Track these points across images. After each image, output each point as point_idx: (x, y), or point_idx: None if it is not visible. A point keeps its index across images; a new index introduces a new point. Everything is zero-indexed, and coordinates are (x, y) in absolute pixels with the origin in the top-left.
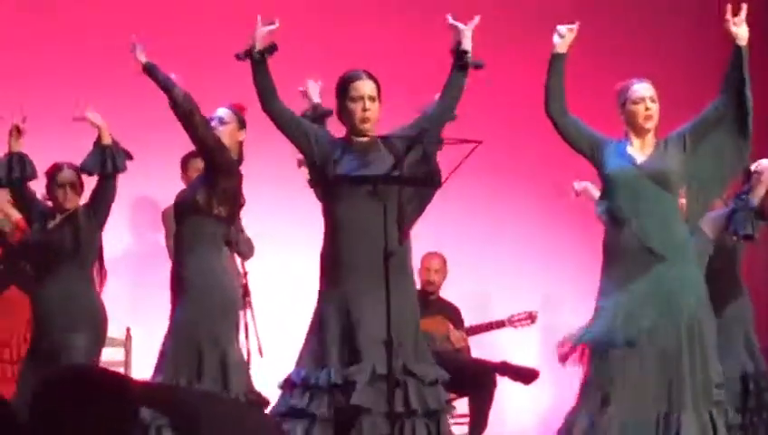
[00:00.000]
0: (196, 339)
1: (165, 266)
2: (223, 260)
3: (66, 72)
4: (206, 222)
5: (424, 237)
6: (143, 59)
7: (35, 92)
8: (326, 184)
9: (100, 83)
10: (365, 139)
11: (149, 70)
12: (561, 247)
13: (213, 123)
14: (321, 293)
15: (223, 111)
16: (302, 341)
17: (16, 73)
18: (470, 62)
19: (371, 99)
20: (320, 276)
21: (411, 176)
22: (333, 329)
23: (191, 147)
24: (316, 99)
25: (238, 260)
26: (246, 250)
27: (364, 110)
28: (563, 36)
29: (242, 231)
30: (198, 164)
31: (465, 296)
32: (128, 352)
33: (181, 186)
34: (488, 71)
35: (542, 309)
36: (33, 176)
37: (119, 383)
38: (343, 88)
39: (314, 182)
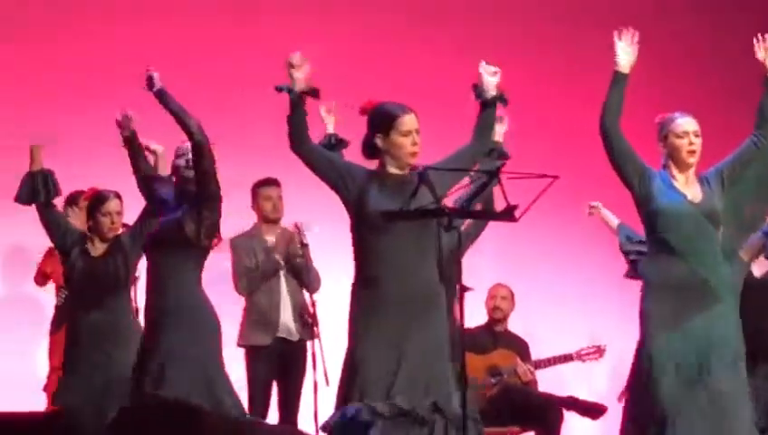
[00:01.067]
0: (200, 361)
1: (231, 294)
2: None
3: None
4: (191, 253)
5: (492, 271)
6: (158, 85)
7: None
8: (369, 218)
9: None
10: (401, 172)
11: (163, 97)
12: (631, 282)
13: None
14: (359, 329)
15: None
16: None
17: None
18: (490, 98)
19: (418, 132)
20: (356, 310)
21: (487, 211)
22: (377, 364)
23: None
24: (331, 129)
25: (306, 293)
26: (314, 282)
27: (414, 144)
28: (627, 52)
29: (310, 263)
30: (269, 192)
31: (532, 330)
32: None
33: (250, 214)
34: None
35: (611, 343)
36: (58, 194)
37: (193, 415)
38: (389, 121)
39: (354, 218)
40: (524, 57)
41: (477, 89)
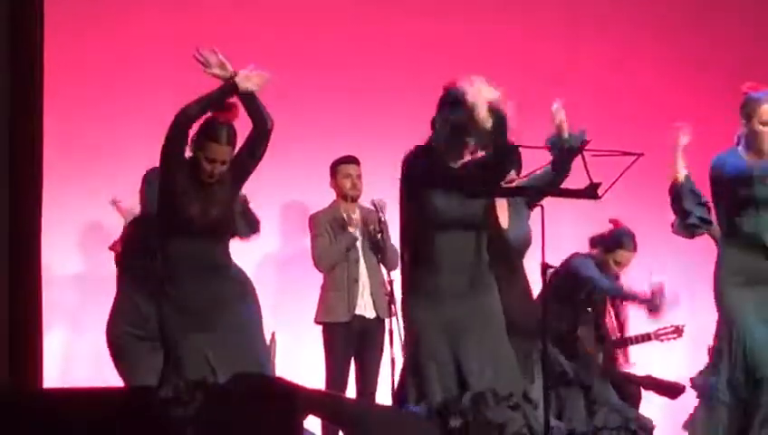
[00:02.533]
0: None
1: (310, 271)
2: None
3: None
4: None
5: (568, 251)
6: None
7: None
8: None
9: None
10: None
11: (250, 97)
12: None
13: None
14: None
15: None
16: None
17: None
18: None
19: None
20: (412, 301)
21: (573, 188)
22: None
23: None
24: None
25: (383, 269)
26: (392, 259)
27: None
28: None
29: (389, 240)
30: (349, 170)
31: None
32: (272, 357)
33: (328, 191)
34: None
35: (689, 323)
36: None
37: (290, 391)
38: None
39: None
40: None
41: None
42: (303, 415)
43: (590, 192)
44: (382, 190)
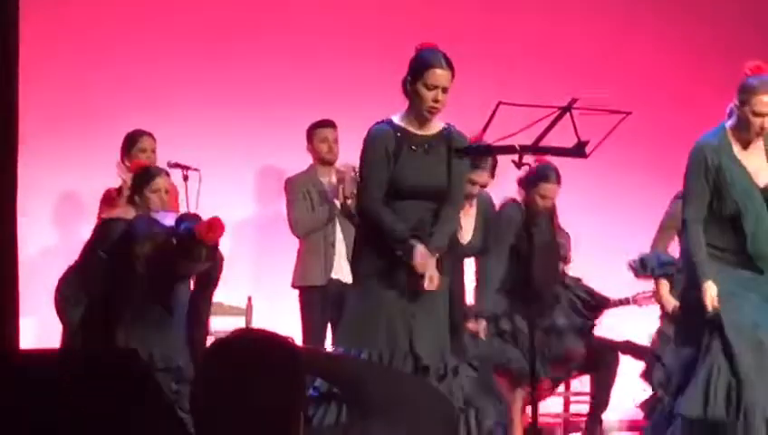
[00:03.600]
0: None
1: (286, 235)
2: None
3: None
4: None
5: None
6: None
7: None
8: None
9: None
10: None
11: None
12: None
13: None
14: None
15: None
16: None
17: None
18: None
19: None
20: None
21: (559, 146)
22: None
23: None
24: None
25: None
26: None
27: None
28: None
29: None
30: (325, 134)
31: (588, 273)
32: (248, 322)
33: (305, 156)
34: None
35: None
36: None
37: (290, 349)
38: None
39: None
40: None
41: None
42: (304, 376)
43: (578, 151)
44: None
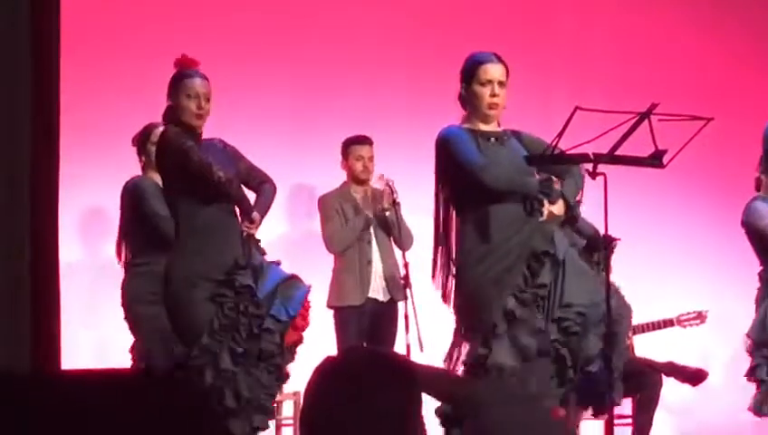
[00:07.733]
0: None
1: (318, 254)
2: None
3: None
4: None
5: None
6: None
7: None
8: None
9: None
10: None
11: None
12: (734, 244)
13: None
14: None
15: None
16: None
17: None
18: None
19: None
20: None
21: (636, 156)
22: None
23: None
24: None
25: (398, 251)
26: (406, 239)
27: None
28: None
29: (402, 221)
30: (361, 152)
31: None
32: None
33: (336, 173)
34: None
35: (713, 309)
36: None
37: (407, 368)
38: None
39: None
40: None
41: None
42: (420, 395)
43: (655, 160)
44: (391, 170)
